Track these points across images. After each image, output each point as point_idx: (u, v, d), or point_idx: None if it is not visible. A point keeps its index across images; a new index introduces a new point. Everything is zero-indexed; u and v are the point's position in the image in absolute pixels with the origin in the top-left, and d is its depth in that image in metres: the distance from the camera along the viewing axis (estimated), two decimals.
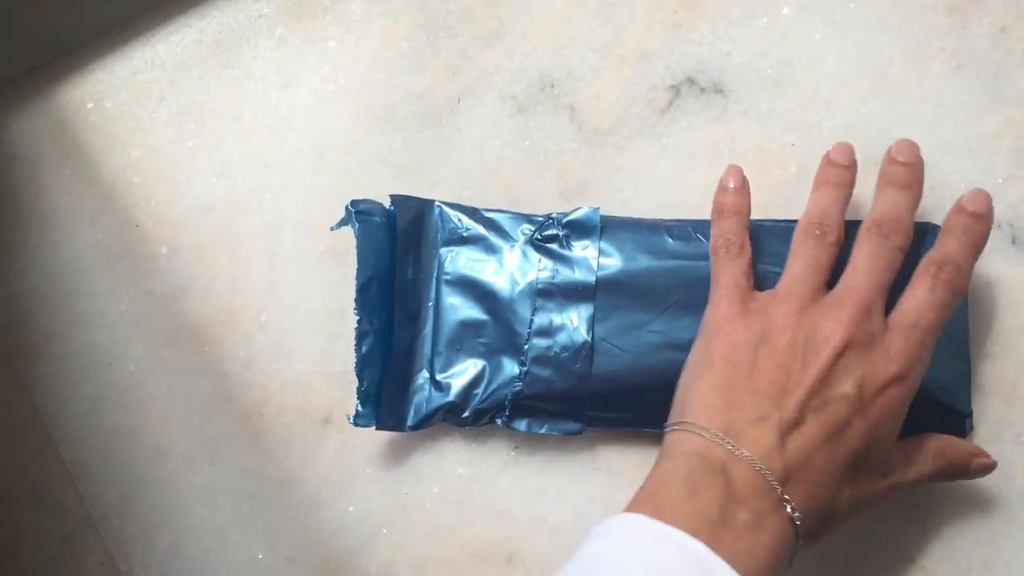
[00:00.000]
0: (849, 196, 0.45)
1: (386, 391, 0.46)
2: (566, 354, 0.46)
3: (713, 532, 0.36)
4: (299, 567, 0.47)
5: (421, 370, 0.47)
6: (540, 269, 0.47)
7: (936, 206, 0.50)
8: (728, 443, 0.38)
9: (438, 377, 0.47)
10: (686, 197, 0.50)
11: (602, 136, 0.51)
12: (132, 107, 0.52)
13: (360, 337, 0.46)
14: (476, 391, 0.47)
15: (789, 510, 0.38)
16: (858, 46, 0.52)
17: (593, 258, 0.47)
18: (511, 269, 0.47)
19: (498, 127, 0.52)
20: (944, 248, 0.43)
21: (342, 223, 0.46)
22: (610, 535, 0.37)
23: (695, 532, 0.35)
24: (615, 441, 0.48)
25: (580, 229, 0.47)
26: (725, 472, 0.38)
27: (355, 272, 0.46)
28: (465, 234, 0.48)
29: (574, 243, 0.47)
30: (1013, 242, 0.50)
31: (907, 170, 0.44)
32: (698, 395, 0.41)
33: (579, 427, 0.47)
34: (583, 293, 0.46)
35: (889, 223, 0.43)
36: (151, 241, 0.50)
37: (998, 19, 0.52)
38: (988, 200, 0.43)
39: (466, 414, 0.47)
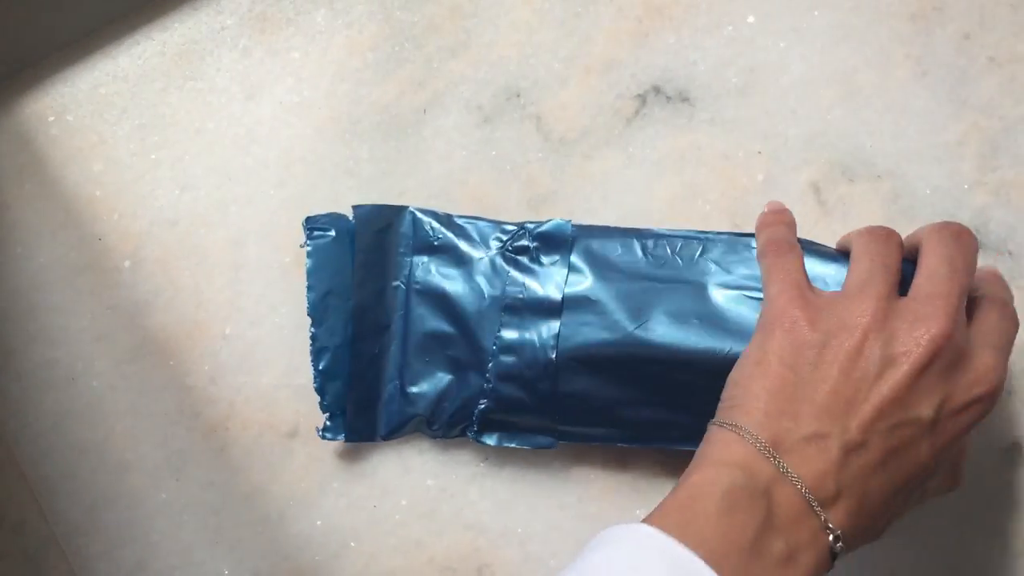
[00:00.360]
0: None
1: (352, 403, 0.46)
2: (531, 372, 0.45)
3: (741, 562, 0.32)
4: None
5: (391, 381, 0.47)
6: (508, 283, 0.47)
7: (903, 213, 0.50)
8: (778, 459, 0.35)
9: (408, 389, 0.47)
10: (654, 205, 0.50)
11: (569, 145, 0.51)
12: (94, 120, 0.51)
13: (318, 352, 0.46)
14: (445, 404, 0.47)
15: (831, 539, 0.35)
16: (823, 54, 0.52)
17: (561, 274, 0.46)
18: (481, 281, 0.47)
19: (464, 137, 0.51)
20: (994, 286, 0.42)
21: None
22: (614, 545, 0.34)
23: (720, 560, 0.32)
24: (586, 452, 0.48)
25: (550, 242, 0.47)
26: (768, 495, 0.34)
27: (307, 292, 0.46)
28: (436, 243, 0.48)
29: (544, 257, 0.47)
30: (980, 247, 0.50)
31: None
32: (751, 396, 0.37)
33: (550, 441, 0.46)
34: (550, 310, 0.46)
35: (958, 224, 0.41)
36: (114, 255, 0.50)
37: (961, 26, 0.52)
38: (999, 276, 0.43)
39: (436, 426, 0.47)
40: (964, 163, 0.51)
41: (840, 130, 0.51)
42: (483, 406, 0.46)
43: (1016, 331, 0.40)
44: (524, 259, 0.47)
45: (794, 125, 0.51)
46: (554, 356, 0.45)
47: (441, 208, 0.50)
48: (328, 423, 0.46)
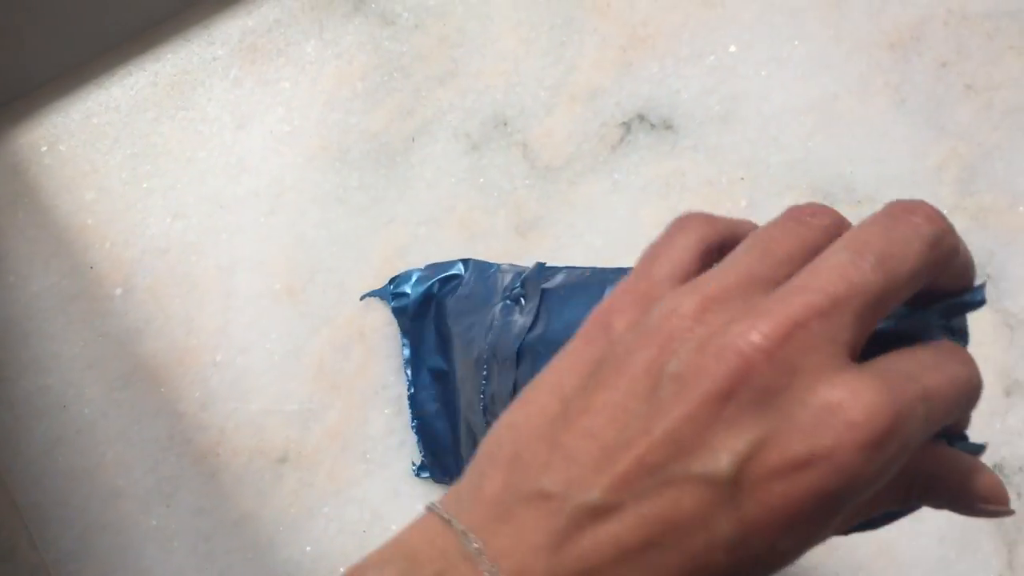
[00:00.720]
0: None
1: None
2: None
3: None
4: None
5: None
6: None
7: None
8: (467, 534, 0.23)
9: None
10: (639, 230, 0.51)
11: (555, 172, 0.52)
12: (86, 150, 0.52)
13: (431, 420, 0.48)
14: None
15: None
16: (803, 82, 0.53)
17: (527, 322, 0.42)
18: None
19: (452, 165, 0.52)
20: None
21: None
22: None
23: None
24: None
25: (531, 285, 0.44)
26: None
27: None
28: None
29: (525, 304, 0.43)
30: None
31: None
32: (485, 441, 0.25)
33: None
34: (509, 364, 0.42)
35: (923, 205, 0.27)
36: (105, 283, 0.50)
37: (939, 54, 0.53)
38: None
39: None
40: (943, 188, 0.52)
41: (820, 156, 0.52)
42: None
43: (963, 371, 0.27)
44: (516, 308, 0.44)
45: (776, 152, 0.52)
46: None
47: (428, 234, 0.51)
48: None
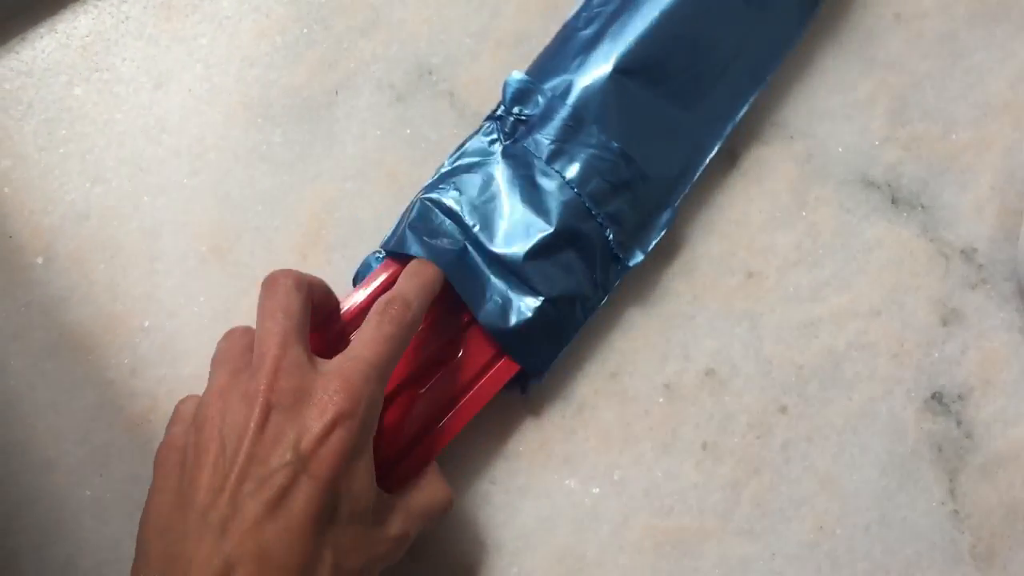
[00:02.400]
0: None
1: (518, 353, 0.46)
2: (614, 174, 0.47)
3: None
4: None
5: (533, 306, 0.46)
6: (531, 149, 0.47)
7: (817, 172, 0.51)
8: None
9: (553, 295, 0.46)
10: None
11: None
12: None
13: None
14: (587, 272, 0.47)
15: None
16: None
17: (557, 99, 0.47)
18: (513, 175, 0.47)
19: (378, 117, 0.51)
20: (397, 287, 0.42)
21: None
22: None
23: None
24: (514, 422, 0.48)
25: (521, 97, 0.48)
26: None
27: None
28: (455, 191, 0.47)
29: (525, 112, 0.48)
30: (893, 202, 0.51)
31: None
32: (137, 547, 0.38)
33: (670, 212, 0.49)
34: (576, 124, 0.47)
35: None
36: (26, 252, 0.49)
37: None
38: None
39: (596, 295, 0.48)
40: (874, 120, 0.51)
41: None
42: (610, 236, 0.47)
43: (400, 328, 0.39)
44: (522, 129, 0.48)
45: None
46: (615, 143, 0.47)
47: (356, 189, 0.50)
48: (523, 390, 0.48)
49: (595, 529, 0.46)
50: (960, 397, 0.49)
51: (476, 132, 0.49)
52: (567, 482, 0.47)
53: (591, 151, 0.47)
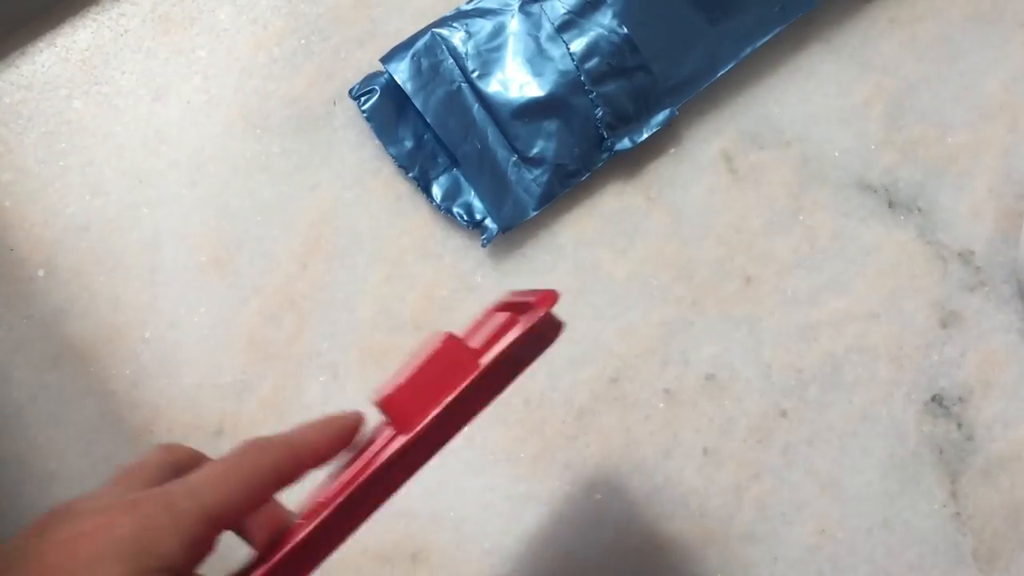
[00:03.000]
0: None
1: (488, 199, 0.49)
2: (616, 58, 0.49)
3: None
4: None
5: (508, 159, 0.50)
6: (547, 14, 0.49)
7: (814, 176, 0.51)
8: None
9: (527, 155, 0.49)
10: None
11: None
12: (0, 130, 0.51)
13: (428, 186, 0.50)
14: (566, 142, 0.49)
15: None
16: None
17: None
18: (524, 33, 0.50)
19: None
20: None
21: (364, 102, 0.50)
22: None
23: None
24: (513, 433, 0.48)
25: None
26: None
27: (387, 151, 0.50)
28: (468, 34, 0.50)
29: None
30: (890, 205, 0.51)
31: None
32: None
33: (669, 112, 0.50)
34: (595, 2, 0.49)
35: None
36: (27, 264, 0.49)
37: None
38: None
39: (574, 167, 0.50)
40: (870, 123, 0.52)
41: (747, 98, 0.52)
42: (600, 115, 0.49)
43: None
44: None
45: (702, 95, 0.51)
46: (625, 29, 0.48)
47: (355, 198, 0.50)
48: (482, 232, 0.49)
49: (598, 535, 0.46)
50: (960, 399, 0.49)
51: None
52: (568, 488, 0.47)
53: (600, 31, 0.49)
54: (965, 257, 0.50)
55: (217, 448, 0.47)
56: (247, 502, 0.30)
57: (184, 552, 0.28)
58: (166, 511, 0.28)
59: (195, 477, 0.30)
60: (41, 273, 0.49)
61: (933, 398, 0.49)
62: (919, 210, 0.51)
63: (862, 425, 0.48)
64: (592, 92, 0.49)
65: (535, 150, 0.49)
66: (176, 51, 0.51)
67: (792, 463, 0.48)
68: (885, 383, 0.49)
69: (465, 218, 0.49)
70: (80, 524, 0.29)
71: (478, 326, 0.37)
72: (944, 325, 0.50)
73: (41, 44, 0.51)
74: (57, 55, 0.51)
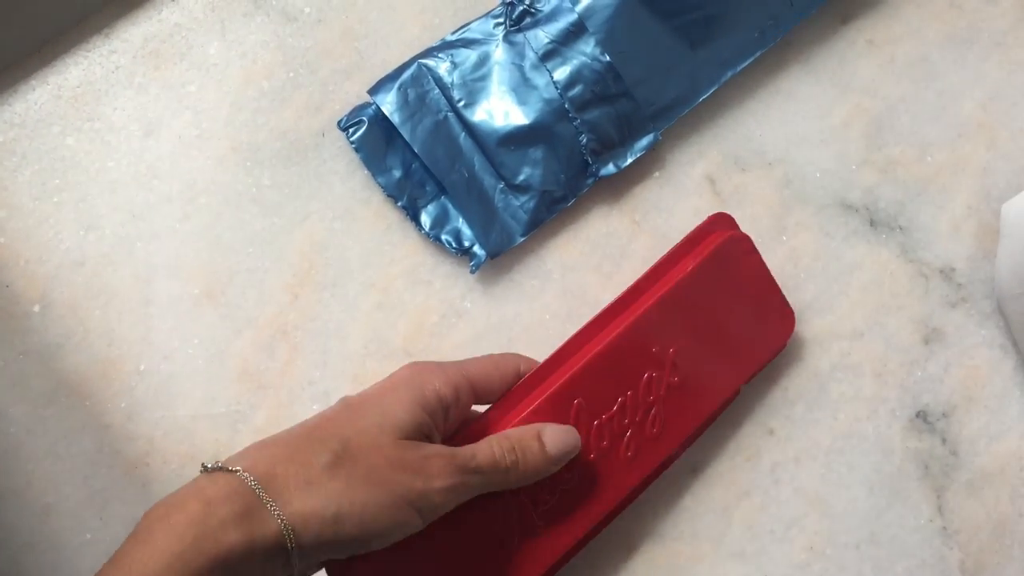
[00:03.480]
0: None
1: (478, 226, 0.50)
2: (599, 85, 0.50)
3: None
4: None
5: (495, 187, 0.50)
6: (531, 43, 0.50)
7: (796, 197, 0.52)
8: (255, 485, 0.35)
9: (513, 182, 0.50)
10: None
11: None
12: None
13: (416, 214, 0.51)
14: (552, 168, 0.50)
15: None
16: None
17: (564, 6, 0.50)
18: (508, 62, 0.51)
19: None
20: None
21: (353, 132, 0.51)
22: None
23: None
24: None
25: None
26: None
27: (376, 180, 0.51)
28: (453, 64, 0.51)
29: (538, 5, 0.51)
30: (871, 224, 0.52)
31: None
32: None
33: (652, 137, 0.51)
34: (577, 30, 0.50)
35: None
36: (23, 300, 0.50)
37: (839, 11, 0.54)
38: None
39: (560, 193, 0.51)
40: (850, 144, 0.53)
41: (729, 121, 0.53)
42: (584, 141, 0.50)
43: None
44: (528, 20, 0.51)
45: (685, 119, 0.52)
46: (607, 57, 0.49)
47: (345, 228, 0.51)
48: (470, 259, 0.50)
49: (590, 555, 0.47)
50: (944, 415, 0.49)
51: (486, 13, 0.52)
52: None
53: (583, 59, 0.50)
54: (946, 274, 0.51)
55: None
56: (491, 382, 0.43)
57: (447, 389, 0.40)
58: (436, 365, 0.41)
59: (463, 360, 0.43)
60: (37, 308, 0.50)
61: (918, 414, 0.49)
62: (900, 228, 0.52)
63: (848, 442, 0.49)
64: (576, 119, 0.50)
65: (521, 177, 0.50)
66: (167, 86, 0.52)
67: (780, 481, 0.49)
68: (870, 400, 0.49)
69: (454, 245, 0.50)
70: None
71: None
72: (927, 341, 0.50)
73: (33, 82, 0.52)
74: (50, 92, 0.52)
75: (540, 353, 0.45)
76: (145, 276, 0.50)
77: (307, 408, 0.49)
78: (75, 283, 0.50)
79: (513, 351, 0.47)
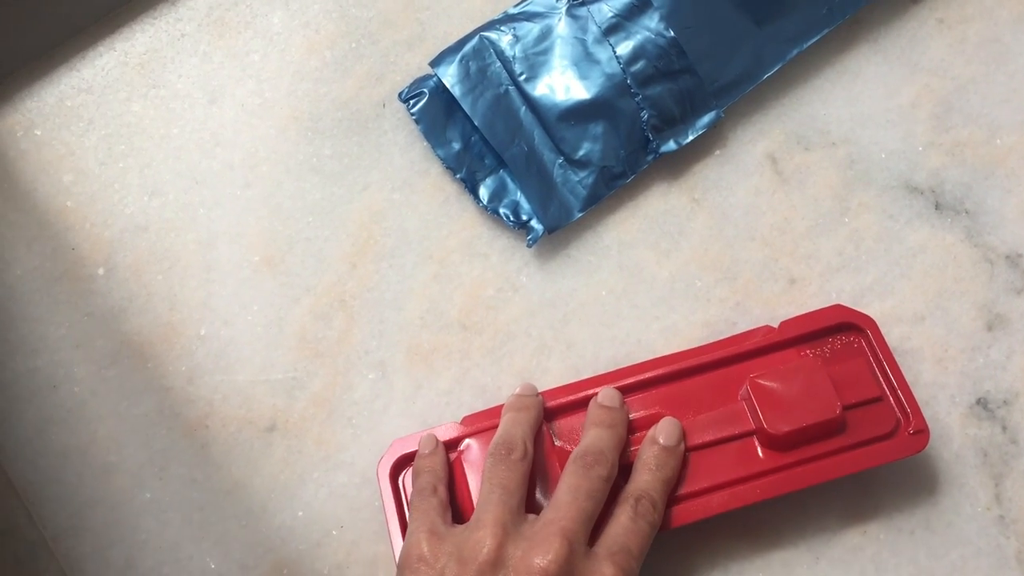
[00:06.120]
0: (536, 420, 0.45)
1: (536, 200, 0.50)
2: (662, 61, 0.49)
3: None
4: (252, 573, 0.47)
5: (554, 161, 0.50)
6: (594, 17, 0.50)
7: (859, 178, 0.51)
8: None
9: (573, 157, 0.50)
10: None
11: None
12: (61, 132, 0.53)
13: (475, 187, 0.51)
14: (612, 145, 0.50)
15: None
16: None
17: None
18: (571, 36, 0.50)
19: None
20: (639, 483, 0.42)
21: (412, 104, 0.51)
22: None
23: None
24: None
25: None
26: None
27: (435, 152, 0.51)
28: (515, 37, 0.51)
29: None
30: (936, 207, 0.51)
31: (610, 413, 0.44)
32: None
33: (715, 114, 0.51)
34: (642, 5, 0.50)
35: (594, 454, 0.42)
36: (88, 263, 0.51)
37: None
38: (679, 431, 0.44)
39: (619, 168, 0.50)
40: (918, 125, 0.52)
41: (793, 99, 0.52)
42: (645, 117, 0.50)
43: (651, 527, 0.41)
44: None
45: (748, 97, 0.52)
46: (671, 32, 0.49)
47: (403, 200, 0.51)
48: (527, 233, 0.50)
49: None
50: (1005, 402, 0.49)
51: None
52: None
53: (647, 34, 0.50)
54: (1012, 260, 0.50)
55: (270, 443, 0.48)
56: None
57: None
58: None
59: None
60: (101, 272, 0.51)
61: (978, 401, 0.49)
62: (966, 212, 0.51)
63: None
64: (638, 95, 0.50)
65: (581, 152, 0.50)
66: (231, 55, 0.53)
67: None
68: (930, 385, 0.49)
69: (511, 219, 0.50)
70: None
71: None
72: (990, 328, 0.49)
73: (101, 48, 0.53)
74: (116, 59, 0.53)
75: (595, 328, 0.45)
76: (207, 242, 0.51)
77: (363, 377, 0.49)
78: (139, 247, 0.51)
79: (568, 326, 0.47)
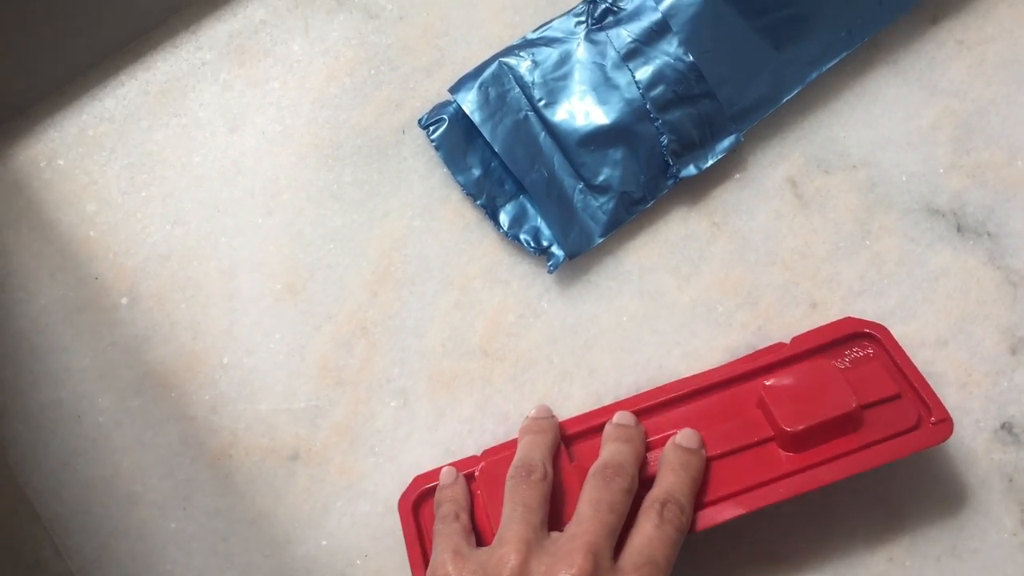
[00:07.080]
0: (554, 441, 0.45)
1: (556, 226, 0.50)
2: (682, 86, 0.49)
3: None
4: None
5: (575, 187, 0.50)
6: (613, 42, 0.50)
7: (880, 201, 0.51)
8: None
9: (593, 183, 0.50)
10: None
11: None
12: (84, 162, 0.53)
13: (495, 213, 0.51)
14: (634, 170, 0.50)
15: None
16: None
17: (647, 4, 0.50)
18: (590, 61, 0.51)
19: None
20: (664, 485, 0.42)
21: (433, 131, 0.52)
22: None
23: None
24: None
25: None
26: None
27: (455, 179, 0.51)
28: (533, 62, 0.51)
29: (621, 3, 0.51)
30: (959, 230, 0.51)
31: (627, 430, 0.44)
32: None
33: (734, 138, 0.51)
34: (661, 30, 0.50)
35: (614, 467, 0.42)
36: (111, 293, 0.51)
37: (929, 11, 0.52)
38: (699, 437, 0.44)
39: (639, 194, 0.50)
40: (938, 147, 0.51)
41: (813, 122, 0.52)
42: (665, 142, 0.50)
43: (678, 532, 0.40)
44: (610, 19, 0.51)
45: (767, 121, 0.52)
46: (690, 57, 0.49)
47: (424, 226, 0.51)
48: (548, 259, 0.50)
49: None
50: None
51: (568, 11, 0.52)
52: None
53: (666, 58, 0.50)
54: None
55: (293, 472, 0.49)
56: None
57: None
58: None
59: None
60: (124, 301, 0.51)
61: (1003, 425, 0.48)
62: (988, 235, 0.50)
63: (930, 451, 0.48)
64: (657, 120, 0.50)
65: (601, 178, 0.50)
66: (251, 83, 0.53)
67: (858, 490, 0.48)
68: (953, 410, 0.49)
69: (532, 245, 0.50)
70: None
71: None
72: (1014, 351, 0.49)
73: (123, 77, 0.53)
74: (138, 88, 0.53)
75: (617, 354, 0.45)
76: (229, 270, 0.51)
77: (385, 405, 0.50)
78: (161, 276, 0.51)
79: (589, 352, 0.47)
